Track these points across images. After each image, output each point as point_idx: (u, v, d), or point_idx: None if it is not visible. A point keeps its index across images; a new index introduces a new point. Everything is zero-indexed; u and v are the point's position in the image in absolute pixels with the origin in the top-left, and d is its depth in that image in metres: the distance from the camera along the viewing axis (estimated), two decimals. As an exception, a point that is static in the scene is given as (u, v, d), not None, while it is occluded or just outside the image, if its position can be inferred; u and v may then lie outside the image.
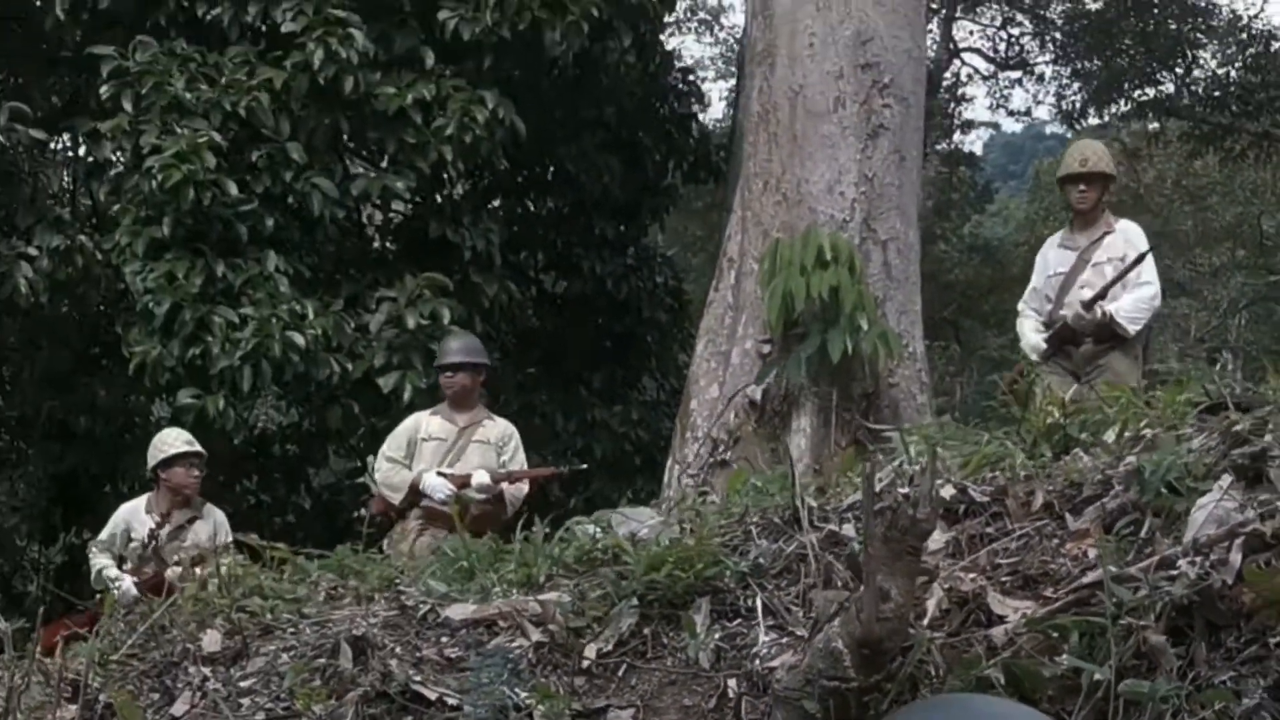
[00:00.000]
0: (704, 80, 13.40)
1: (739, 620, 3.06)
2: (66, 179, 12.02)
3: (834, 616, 2.65)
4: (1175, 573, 2.53)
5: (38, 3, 11.00)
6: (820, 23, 9.02)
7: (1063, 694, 2.51)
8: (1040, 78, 26.57)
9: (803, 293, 8.37)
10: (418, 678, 3.02)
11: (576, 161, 11.95)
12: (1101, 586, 2.58)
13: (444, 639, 3.22)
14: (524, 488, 8.27)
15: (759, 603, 3.05)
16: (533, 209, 12.77)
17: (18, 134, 9.72)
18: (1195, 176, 27.69)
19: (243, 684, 3.21)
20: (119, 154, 9.81)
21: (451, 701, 2.96)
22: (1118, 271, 7.89)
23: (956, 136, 29.15)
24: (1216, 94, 21.81)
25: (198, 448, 8.12)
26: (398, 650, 3.17)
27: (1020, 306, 8.50)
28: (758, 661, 2.85)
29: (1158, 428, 3.18)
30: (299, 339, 9.24)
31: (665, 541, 3.30)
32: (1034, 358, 7.98)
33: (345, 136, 10.41)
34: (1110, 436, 3.44)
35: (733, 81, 26.64)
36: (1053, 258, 8.30)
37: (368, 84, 10.04)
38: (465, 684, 2.98)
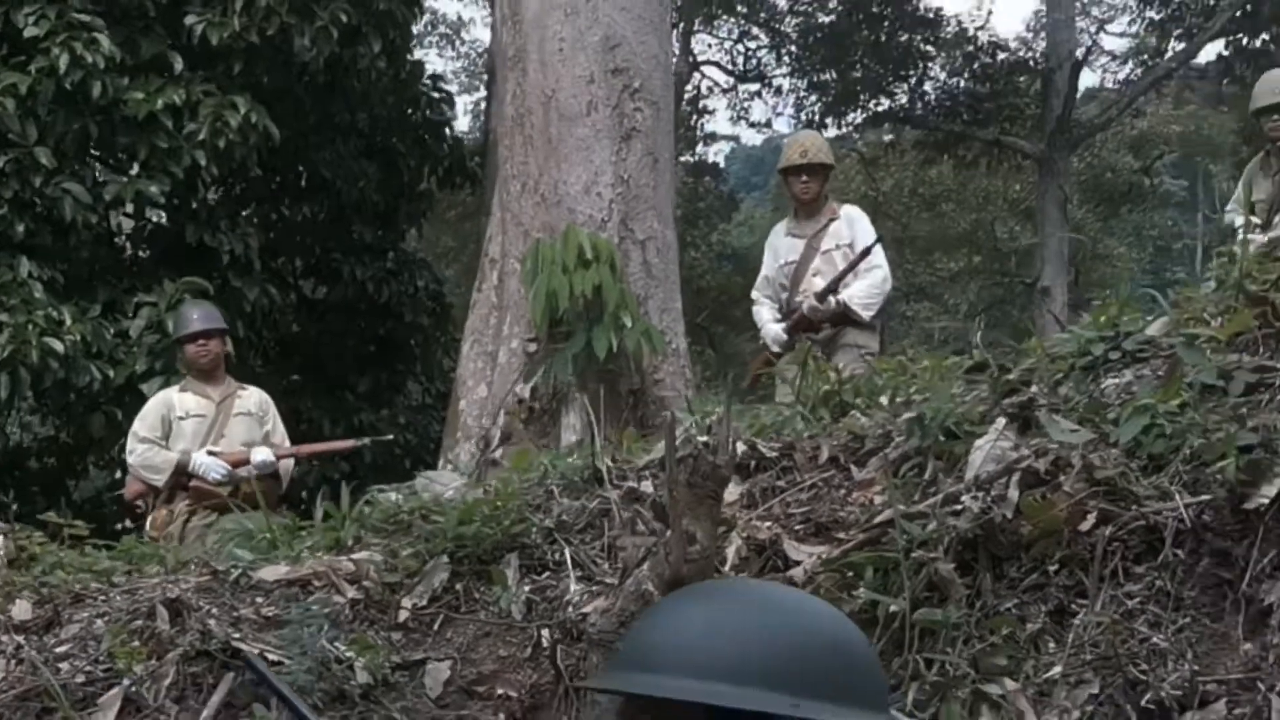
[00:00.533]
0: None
1: (547, 574, 3.22)
2: None
3: (643, 561, 2.83)
4: (960, 508, 2.77)
5: None
6: (569, 28, 9.14)
7: (861, 627, 2.69)
8: (778, 90, 27.33)
9: (566, 291, 8.48)
10: (236, 635, 3.08)
11: (332, 167, 11.94)
12: (891, 526, 2.80)
13: (259, 599, 3.29)
14: (289, 464, 8.16)
15: (567, 555, 3.20)
16: (289, 214, 12.67)
17: None
18: (931, 184, 28.78)
19: (59, 650, 3.23)
20: None
21: (272, 657, 3.03)
22: (846, 258, 8.24)
23: (700, 148, 29.87)
24: (948, 103, 22.83)
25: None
26: (214, 611, 3.23)
27: (755, 295, 8.84)
28: (570, 609, 2.99)
29: (927, 391, 3.41)
30: (57, 345, 9.04)
31: (471, 501, 3.43)
32: (776, 348, 8.32)
33: (95, 141, 10.16)
34: (884, 400, 3.69)
35: (476, 95, 26.83)
36: (781, 246, 8.63)
37: (116, 89, 9.87)
38: (285, 640, 3.05)
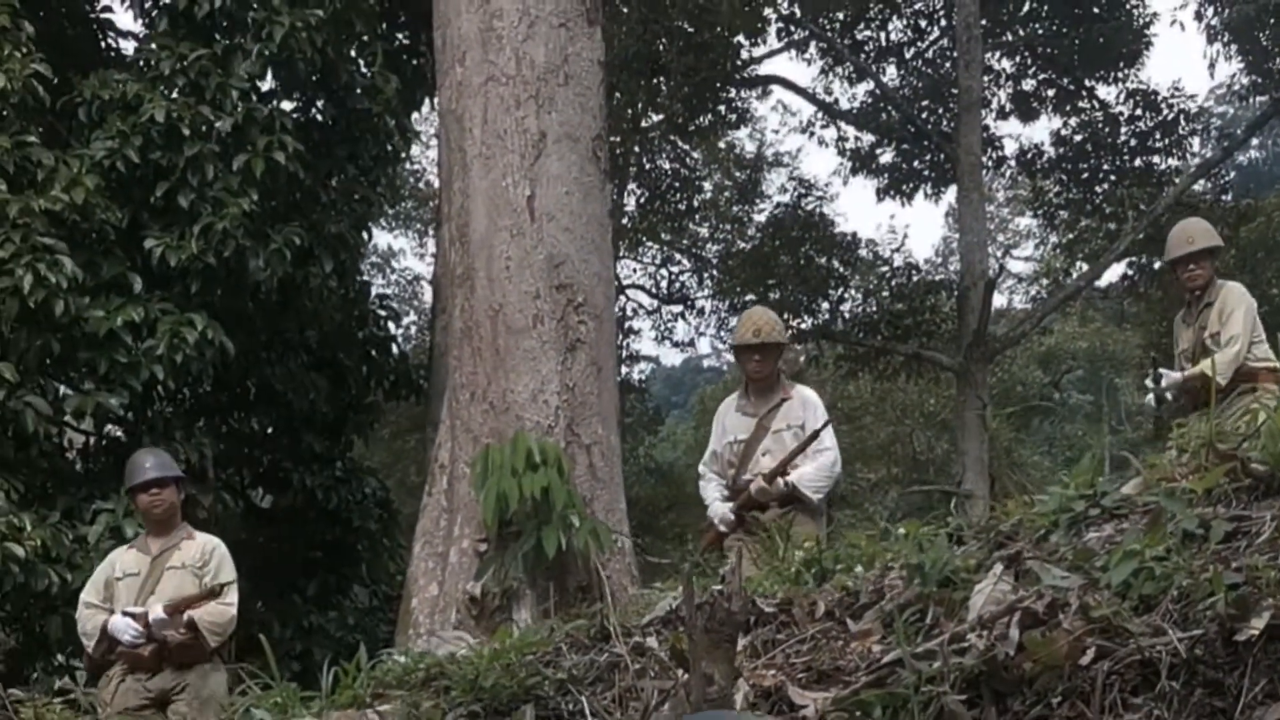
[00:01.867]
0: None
1: (561, 724, 3.45)
2: None
3: (663, 702, 3.10)
4: (965, 645, 3.01)
5: None
6: (515, 248, 9.54)
7: (873, 763, 2.95)
8: (700, 311, 28.12)
9: (515, 493, 8.70)
10: None
11: (283, 380, 12.31)
12: (896, 666, 3.06)
13: None
14: (229, 610, 7.71)
15: (584, 704, 3.44)
16: (240, 425, 12.98)
17: None
18: (850, 399, 29.45)
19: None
20: None
21: None
22: (797, 438, 8.08)
23: (623, 369, 30.45)
24: (867, 321, 23.62)
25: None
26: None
27: (701, 469, 8.76)
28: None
29: (915, 550, 3.69)
30: (18, 550, 9.22)
31: (487, 655, 3.71)
32: (723, 527, 8.25)
33: (56, 357, 10.48)
34: (860, 569, 4.00)
35: (407, 319, 27.38)
36: (730, 423, 8.49)
37: (77, 307, 10.23)
38: None
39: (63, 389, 10.57)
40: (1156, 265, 22.27)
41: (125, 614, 7.51)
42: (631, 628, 3.92)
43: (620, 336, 28.10)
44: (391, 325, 14.25)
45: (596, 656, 3.74)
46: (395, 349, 14.04)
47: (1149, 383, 8.95)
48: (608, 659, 3.70)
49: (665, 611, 3.96)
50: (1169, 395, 8.80)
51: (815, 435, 8.07)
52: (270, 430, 13.04)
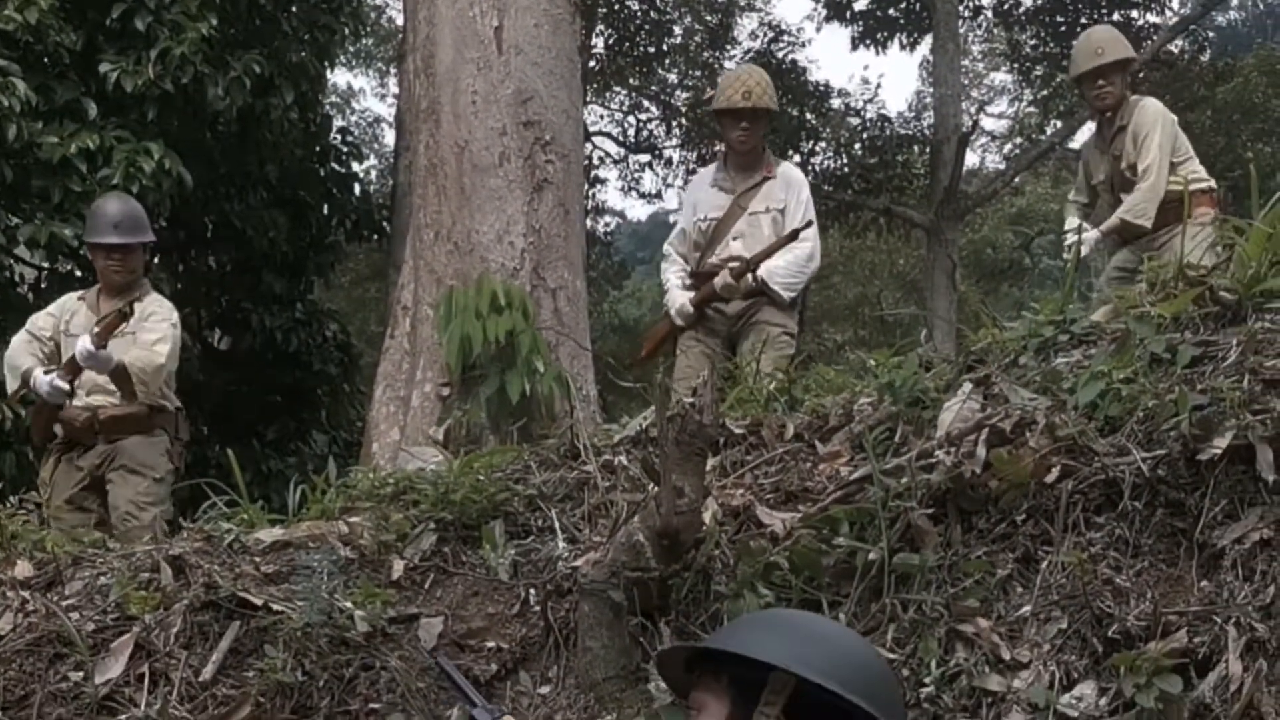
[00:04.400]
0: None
1: (531, 538, 3.40)
2: None
3: (633, 514, 3.02)
4: (933, 462, 2.98)
5: None
6: (481, 82, 9.33)
7: (839, 578, 2.92)
8: (669, 161, 27.78)
9: (480, 337, 8.59)
10: (241, 587, 3.22)
11: (242, 217, 11.98)
12: (865, 483, 3.01)
13: (257, 559, 3.43)
14: (156, 357, 6.85)
15: (554, 519, 3.38)
16: (197, 264, 12.69)
17: None
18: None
19: (65, 603, 3.32)
20: None
21: (276, 607, 3.17)
22: (775, 224, 7.26)
23: (589, 223, 30.17)
24: (838, 174, 23.36)
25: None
26: (216, 568, 3.35)
27: (666, 248, 7.94)
28: (560, 565, 3.17)
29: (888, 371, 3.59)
30: (-30, 385, 8.94)
31: (456, 470, 3.60)
32: (679, 321, 7.48)
33: (8, 185, 10.13)
34: (832, 397, 3.88)
35: (366, 164, 26.96)
36: (703, 199, 7.63)
37: (30, 133, 9.87)
38: (288, 593, 3.20)
39: (14, 219, 10.20)
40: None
41: (49, 374, 6.77)
42: (601, 446, 3.88)
43: (586, 186, 27.78)
44: (354, 163, 13.85)
45: (566, 474, 3.73)
46: (357, 187, 13.73)
47: (1068, 244, 7.52)
48: (577, 476, 3.69)
49: (635, 431, 3.88)
50: (1097, 248, 7.58)
51: (795, 234, 7.23)
52: (229, 269, 12.74)
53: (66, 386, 6.76)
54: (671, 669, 2.51)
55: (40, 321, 7.18)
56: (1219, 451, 2.71)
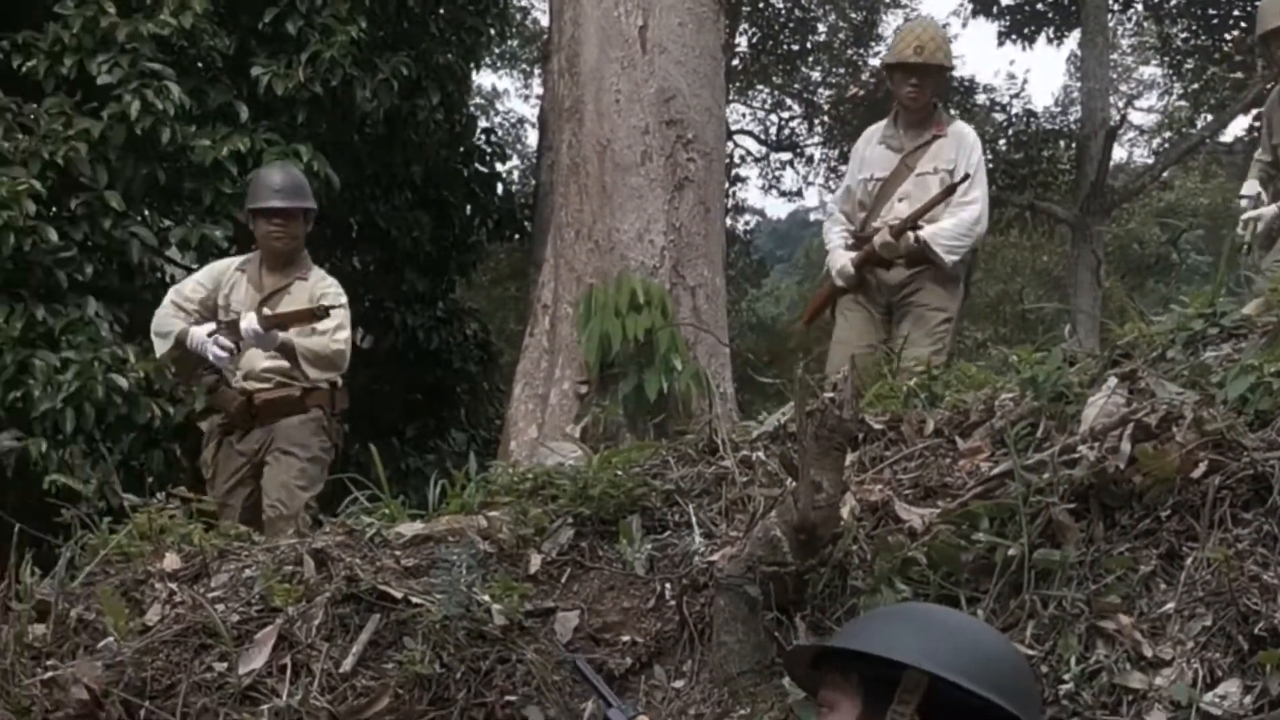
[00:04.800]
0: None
1: (668, 533, 3.42)
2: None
3: (771, 509, 3.03)
4: (1075, 457, 2.93)
5: None
6: (626, 81, 9.40)
7: (977, 574, 2.89)
8: (810, 159, 27.65)
9: (619, 335, 8.64)
10: (382, 581, 3.29)
11: (387, 217, 12.19)
12: (1006, 478, 2.98)
13: (397, 552, 3.50)
14: (334, 344, 6.75)
15: (691, 513, 3.40)
16: (342, 263, 12.93)
17: None
18: (960, 255, 28.78)
19: (211, 595, 3.42)
20: (-66, 203, 9.61)
21: (415, 600, 3.24)
22: (944, 185, 6.77)
23: (729, 221, 30.11)
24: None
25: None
26: (357, 561, 3.43)
27: (830, 207, 7.60)
28: (696, 560, 3.18)
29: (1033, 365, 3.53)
30: (122, 382, 9.21)
31: (595, 465, 3.64)
32: (840, 283, 7.07)
33: (161, 187, 10.41)
34: (973, 393, 3.83)
35: (509, 164, 27.21)
36: (870, 156, 7.17)
37: (184, 136, 10.12)
38: (427, 586, 3.26)
39: (166, 221, 10.47)
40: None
41: (213, 332, 6.61)
42: (740, 442, 3.87)
43: (726, 184, 27.74)
44: (497, 163, 14.00)
45: (704, 469, 3.73)
46: (500, 187, 13.87)
47: (1244, 215, 6.85)
48: (715, 471, 3.69)
49: (774, 427, 3.86)
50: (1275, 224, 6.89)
51: (953, 188, 6.74)
52: (372, 269, 12.95)
53: (226, 355, 6.61)
54: (799, 666, 2.50)
55: (187, 290, 7.04)
56: (1372, 447, 2.62)
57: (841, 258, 7.06)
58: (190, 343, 6.70)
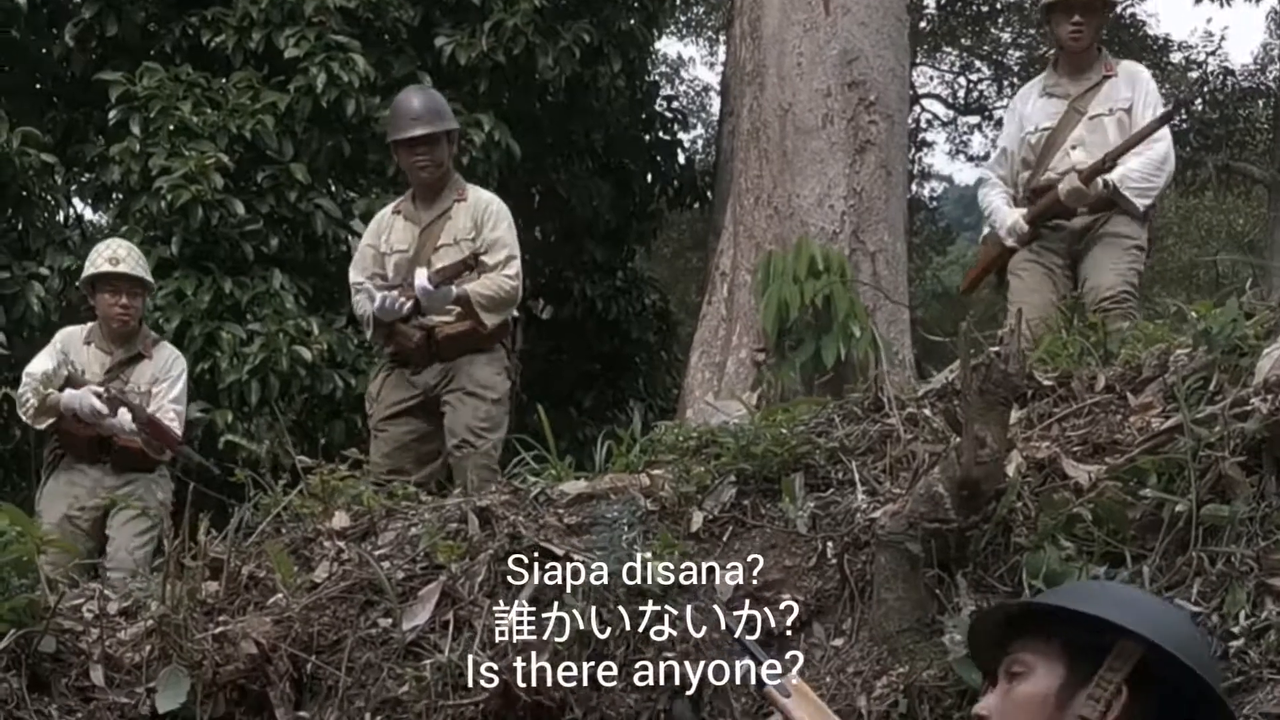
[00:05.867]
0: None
1: (831, 491, 3.38)
2: (76, 202, 12.21)
3: (934, 465, 2.97)
4: (1248, 410, 2.81)
5: (30, 34, 11.22)
6: (808, 43, 9.27)
7: (1144, 530, 2.80)
8: (999, 123, 26.98)
9: (796, 301, 8.50)
10: (544, 539, 3.32)
11: (567, 186, 12.26)
12: (1175, 433, 2.87)
13: (560, 510, 3.53)
14: (505, 282, 6.40)
15: (854, 471, 3.35)
16: (522, 234, 13.01)
17: (29, 158, 9.85)
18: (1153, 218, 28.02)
19: (377, 553, 3.49)
20: (127, 177, 9.96)
21: (577, 558, 3.26)
22: (1121, 125, 6.35)
23: (914, 186, 29.65)
24: (1176, 130, 22.26)
25: (126, 269, 6.93)
26: (520, 519, 3.46)
27: (984, 173, 7.19)
28: (858, 517, 3.13)
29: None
30: (305, 354, 9.43)
31: (759, 424, 3.62)
32: (1010, 242, 6.59)
33: (346, 159, 10.61)
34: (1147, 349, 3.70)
35: (693, 133, 27.17)
36: (1033, 111, 6.70)
37: (368, 107, 10.30)
38: (589, 544, 3.28)
39: (350, 193, 10.68)
40: None
41: (384, 290, 6.37)
42: (906, 400, 3.81)
43: (912, 150, 27.27)
44: (679, 131, 13.97)
45: (869, 427, 3.68)
46: (681, 155, 13.85)
47: None
48: (880, 429, 3.64)
49: (942, 384, 3.77)
50: None
51: (1159, 124, 6.27)
52: (552, 238, 13.04)
53: (403, 311, 6.34)
54: (989, 626, 2.44)
55: (357, 272, 6.82)
56: None
57: (1010, 215, 6.60)
58: (377, 312, 6.42)
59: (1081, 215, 6.37)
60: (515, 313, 6.76)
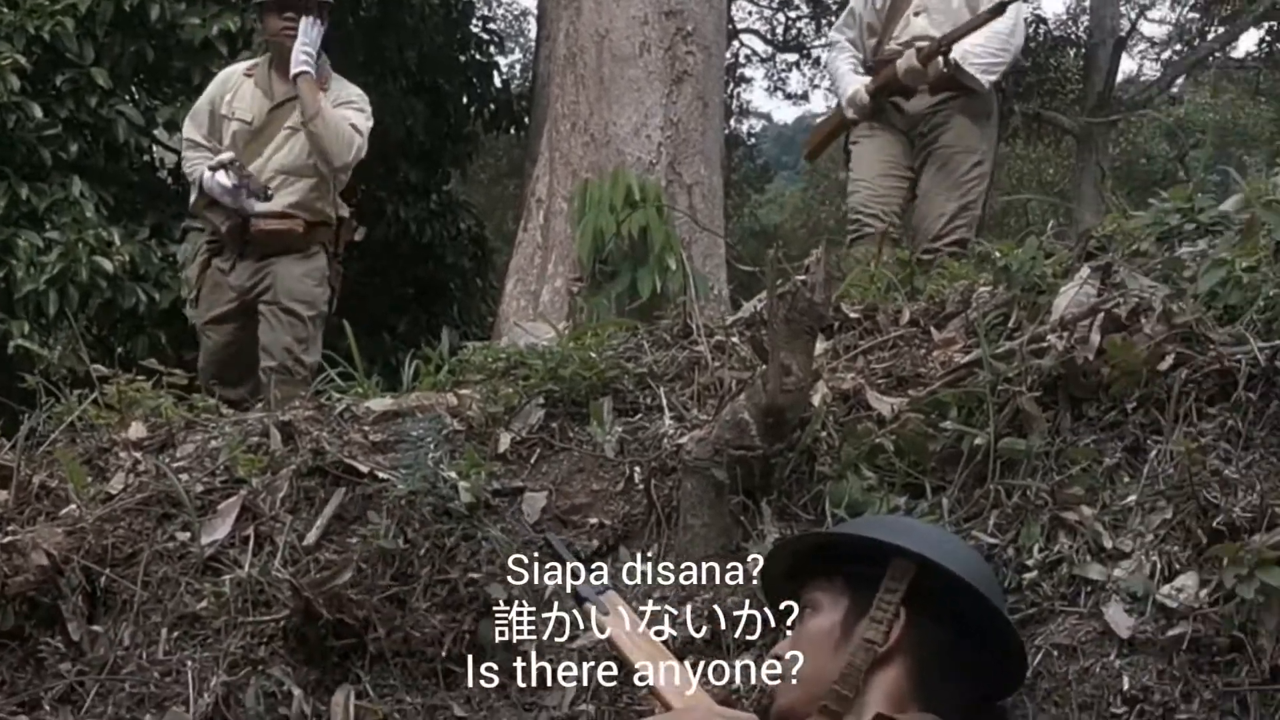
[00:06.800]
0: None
1: (639, 416, 3.40)
2: None
3: (740, 391, 2.99)
4: (1044, 346, 2.90)
5: None
6: (625, -33, 9.22)
7: (944, 462, 2.87)
8: (817, 61, 27.24)
9: (612, 231, 8.51)
10: (348, 455, 3.27)
11: (380, 104, 11.94)
12: (975, 367, 2.95)
13: (365, 427, 3.48)
14: (354, 135, 6.20)
15: (663, 397, 3.37)
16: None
17: None
18: (964, 167, 28.62)
19: (176, 465, 3.40)
20: (-86, 76, 9.46)
21: (381, 475, 3.22)
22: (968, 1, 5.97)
23: (733, 122, 29.80)
24: (988, 77, 22.68)
25: None
26: (324, 435, 3.41)
27: (833, 35, 6.81)
28: (666, 443, 3.16)
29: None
30: (106, 265, 9.10)
31: (567, 347, 3.61)
32: (850, 113, 6.26)
33: (149, 66, 10.25)
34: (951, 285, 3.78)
35: (510, 58, 26.90)
36: None
37: (173, 13, 9.94)
38: (394, 461, 3.25)
39: (155, 101, 10.33)
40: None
41: (219, 168, 5.96)
42: (714, 328, 3.86)
43: (730, 85, 27.38)
44: (495, 54, 13.78)
45: (678, 353, 3.69)
46: (497, 77, 13.65)
47: None
48: (688, 356, 3.65)
49: (749, 313, 3.82)
50: None
51: (1001, 8, 5.82)
52: (365, 159, 12.77)
53: (229, 184, 5.98)
54: (776, 572, 2.54)
55: (191, 129, 6.48)
56: (1338, 342, 2.58)
57: (853, 83, 6.23)
58: (205, 188, 6.03)
59: (922, 95, 6.08)
60: (341, 212, 6.55)
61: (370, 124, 6.44)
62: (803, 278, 2.83)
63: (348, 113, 6.25)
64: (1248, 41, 22.85)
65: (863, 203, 6.26)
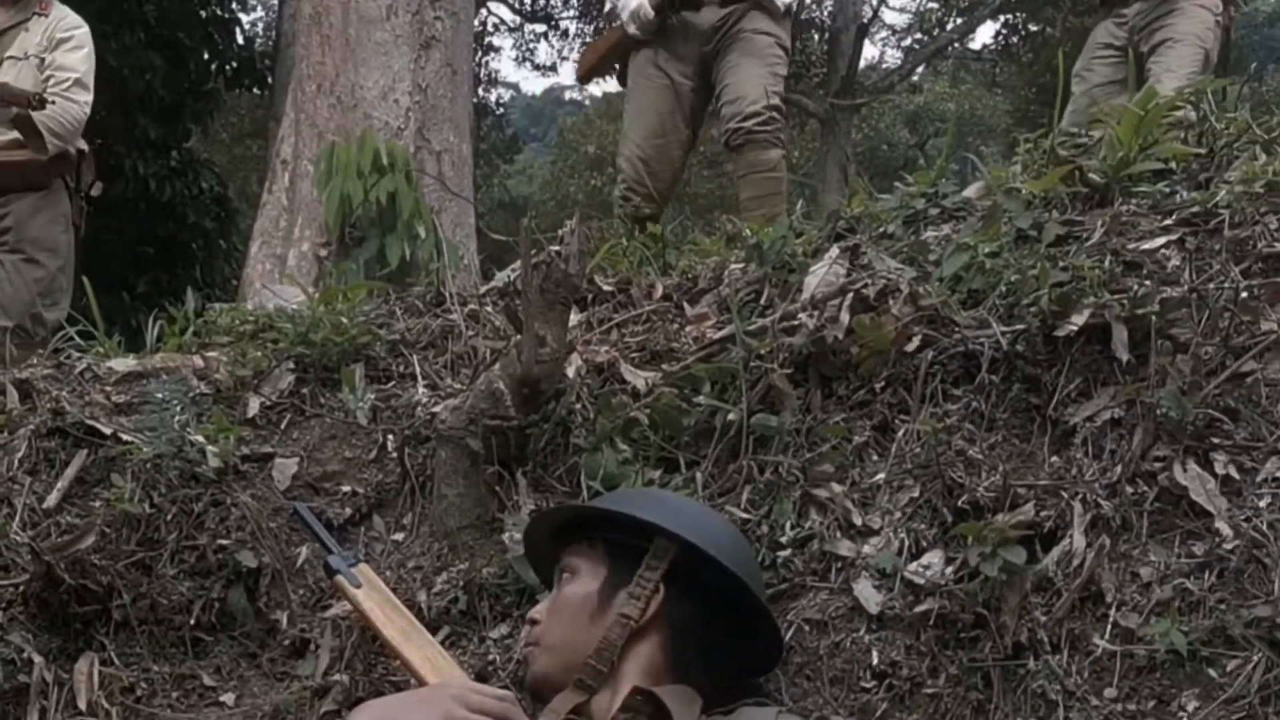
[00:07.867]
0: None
1: (392, 383, 3.34)
2: None
3: (494, 361, 2.98)
4: (796, 324, 2.95)
5: None
6: (369, -73, 9.06)
7: (698, 437, 2.90)
8: (565, 33, 27.34)
9: (360, 196, 8.39)
10: (89, 416, 3.15)
11: (118, 57, 11.53)
12: (728, 343, 2.99)
13: (108, 388, 3.35)
14: (73, 108, 5.65)
15: (415, 365, 3.33)
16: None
17: None
18: (712, 142, 28.94)
19: (-108, 427, 3.21)
20: None
21: (125, 437, 3.11)
22: None
23: (481, 92, 29.61)
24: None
25: None
26: (64, 394, 3.27)
27: None
28: (419, 411, 3.12)
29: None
30: None
31: (317, 311, 3.53)
32: (633, 29, 5.81)
33: None
34: (704, 262, 3.82)
35: (253, 15, 26.18)
36: None
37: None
38: (138, 424, 3.13)
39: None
40: (1033, 29, 21.97)
41: None
42: (468, 296, 3.81)
43: (479, 53, 27.22)
44: (237, 9, 13.43)
45: (430, 321, 3.63)
46: (240, 34, 13.31)
47: None
48: (441, 324, 3.59)
49: (503, 283, 3.80)
50: None
51: None
52: (102, 111, 12.29)
53: None
54: (540, 535, 2.55)
55: None
56: (1075, 329, 2.68)
57: None
58: None
59: (712, 7, 5.68)
60: (81, 146, 6.04)
61: (92, 63, 5.91)
62: (557, 248, 2.83)
63: (67, 59, 5.77)
64: (985, 34, 23.75)
65: (632, 173, 5.91)
